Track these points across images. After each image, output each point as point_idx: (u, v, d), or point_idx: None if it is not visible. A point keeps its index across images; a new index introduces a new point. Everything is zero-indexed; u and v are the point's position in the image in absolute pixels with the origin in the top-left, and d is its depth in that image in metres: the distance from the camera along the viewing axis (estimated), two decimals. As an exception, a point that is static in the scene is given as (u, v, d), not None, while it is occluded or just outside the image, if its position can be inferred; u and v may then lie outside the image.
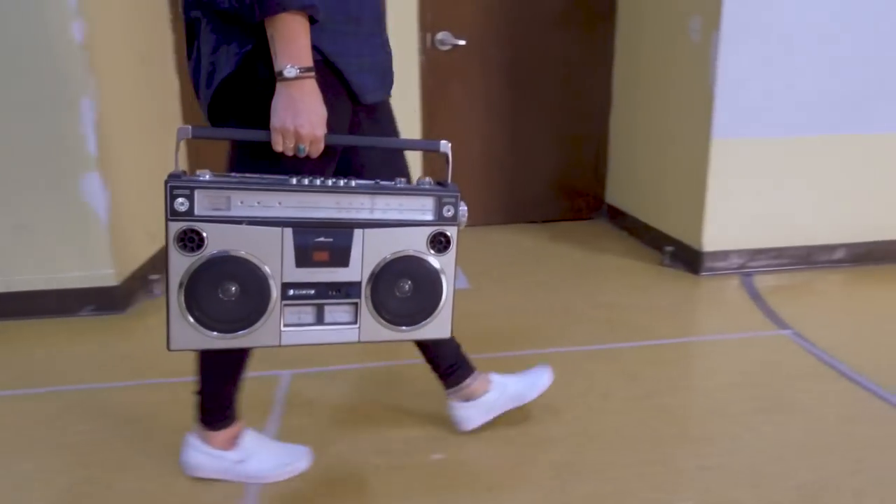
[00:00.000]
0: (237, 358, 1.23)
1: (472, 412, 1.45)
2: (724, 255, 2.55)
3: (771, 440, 1.45)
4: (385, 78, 1.17)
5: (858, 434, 1.46)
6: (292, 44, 0.96)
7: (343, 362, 1.84)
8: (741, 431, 1.48)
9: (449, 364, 1.42)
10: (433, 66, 3.01)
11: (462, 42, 2.99)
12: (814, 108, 2.46)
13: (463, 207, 1.08)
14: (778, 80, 2.40)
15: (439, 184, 1.10)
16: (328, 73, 1.05)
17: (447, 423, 1.50)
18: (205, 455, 1.30)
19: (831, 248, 2.61)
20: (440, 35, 2.99)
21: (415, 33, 2.92)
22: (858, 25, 2.39)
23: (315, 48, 1.01)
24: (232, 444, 1.30)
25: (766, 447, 1.42)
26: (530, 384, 1.48)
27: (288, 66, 0.96)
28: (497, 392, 1.45)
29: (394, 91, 1.24)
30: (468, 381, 1.43)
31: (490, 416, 1.46)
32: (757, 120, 2.43)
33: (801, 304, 2.24)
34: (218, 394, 1.26)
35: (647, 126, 2.91)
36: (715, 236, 2.52)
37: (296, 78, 0.97)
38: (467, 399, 1.44)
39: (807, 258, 2.61)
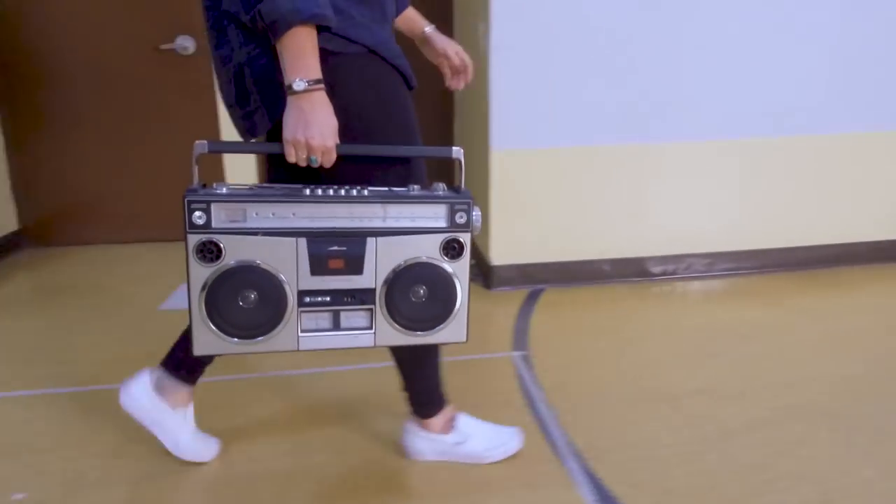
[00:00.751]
0: (431, 349, 1.30)
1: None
2: (514, 268, 2.42)
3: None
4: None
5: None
6: (300, 58, 0.97)
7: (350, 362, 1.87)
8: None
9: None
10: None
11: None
12: (591, 119, 2.29)
13: (476, 213, 1.08)
14: (548, 89, 2.24)
15: (452, 189, 1.11)
16: (379, 61, 1.09)
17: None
18: (425, 440, 1.38)
19: (600, 262, 2.47)
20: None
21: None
22: (644, 35, 2.24)
23: (357, 42, 1.05)
24: (449, 427, 1.38)
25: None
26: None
27: (297, 80, 0.97)
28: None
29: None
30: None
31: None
32: (530, 131, 2.28)
33: (553, 324, 2.11)
34: (423, 387, 1.34)
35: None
36: (502, 251, 2.40)
37: (305, 91, 0.98)
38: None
39: (585, 273, 2.47)
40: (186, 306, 1.16)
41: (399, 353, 1.31)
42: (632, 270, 2.50)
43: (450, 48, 1.36)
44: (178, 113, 2.91)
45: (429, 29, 1.37)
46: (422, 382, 1.35)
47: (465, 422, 1.40)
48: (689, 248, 2.52)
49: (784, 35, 2.32)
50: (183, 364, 1.32)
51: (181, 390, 1.34)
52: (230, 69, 1.07)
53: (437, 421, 1.38)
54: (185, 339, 1.31)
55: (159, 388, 1.32)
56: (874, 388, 1.69)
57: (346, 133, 1.06)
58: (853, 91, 2.42)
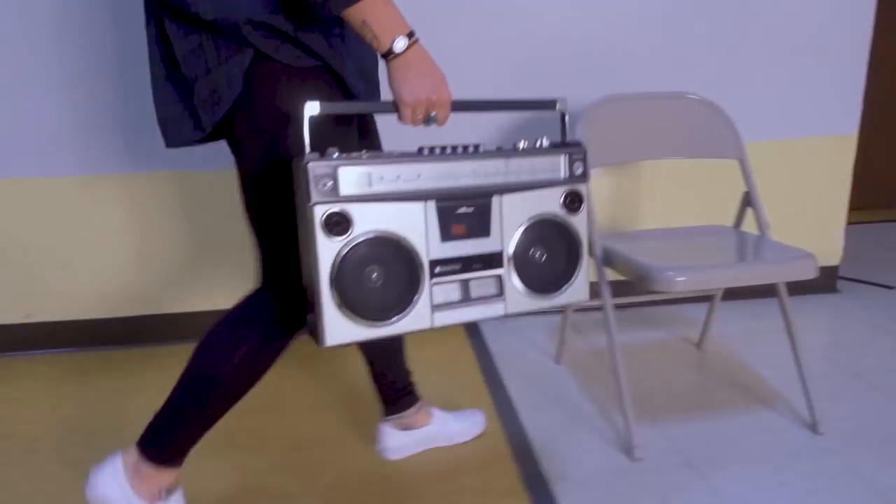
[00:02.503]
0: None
1: (408, 441, 1.34)
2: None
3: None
4: (375, 86, 1.07)
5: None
6: (388, 16, 0.89)
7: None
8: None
9: (397, 388, 1.32)
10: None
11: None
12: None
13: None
14: None
15: (561, 143, 1.06)
16: (328, 77, 0.95)
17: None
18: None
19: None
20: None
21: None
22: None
23: (313, 53, 0.93)
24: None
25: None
26: (467, 427, 1.39)
27: (397, 39, 0.89)
28: (437, 426, 1.36)
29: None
30: (412, 410, 1.33)
31: (421, 448, 1.36)
32: None
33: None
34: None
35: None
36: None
37: (407, 48, 0.90)
38: (405, 428, 1.34)
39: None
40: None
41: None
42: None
43: None
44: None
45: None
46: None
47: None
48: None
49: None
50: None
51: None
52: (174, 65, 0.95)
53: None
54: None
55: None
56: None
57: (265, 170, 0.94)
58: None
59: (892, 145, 3.47)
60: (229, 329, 1.01)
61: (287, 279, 0.97)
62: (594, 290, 1.23)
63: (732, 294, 2.14)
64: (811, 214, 2.18)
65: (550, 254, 1.02)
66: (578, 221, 1.03)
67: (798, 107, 2.08)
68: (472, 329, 2.01)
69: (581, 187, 1.02)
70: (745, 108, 2.02)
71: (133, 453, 1.05)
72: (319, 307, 0.87)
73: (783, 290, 1.42)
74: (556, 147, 1.01)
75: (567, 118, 1.06)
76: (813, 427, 1.41)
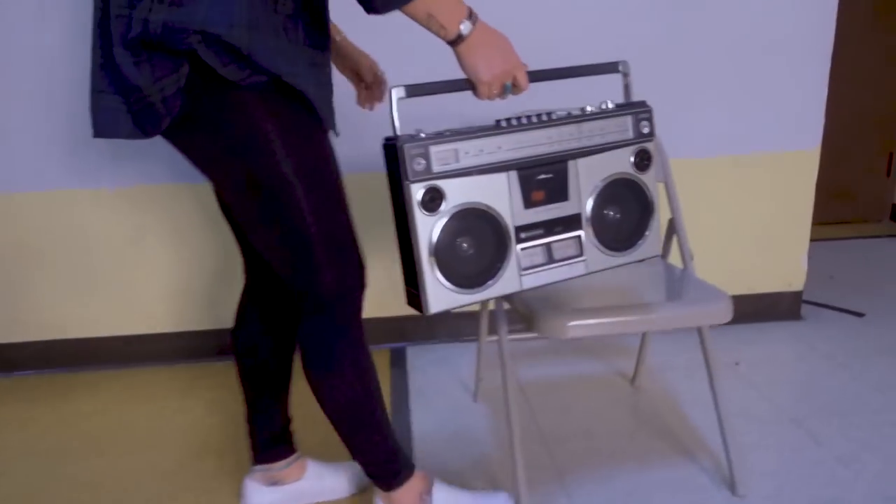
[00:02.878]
0: (366, 404, 1.08)
1: (274, 499, 1.24)
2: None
3: None
4: (333, 115, 1.03)
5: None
6: (449, 3, 0.90)
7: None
8: None
9: (272, 434, 1.23)
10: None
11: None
12: None
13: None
14: None
15: (627, 105, 1.10)
16: (285, 93, 0.91)
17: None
18: None
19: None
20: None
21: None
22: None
23: (268, 70, 0.87)
24: (421, 500, 1.15)
25: None
26: (344, 483, 1.29)
27: (462, 24, 0.90)
28: (310, 482, 1.26)
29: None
30: (281, 462, 1.23)
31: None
32: None
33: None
34: (373, 452, 1.11)
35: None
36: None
37: (472, 30, 0.92)
38: (273, 483, 1.24)
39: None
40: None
41: (334, 413, 1.07)
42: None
43: (363, 61, 1.21)
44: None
45: (338, 37, 1.20)
46: (369, 447, 1.11)
47: (443, 492, 1.17)
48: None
49: None
50: (273, 436, 1.20)
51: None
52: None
53: (405, 494, 1.14)
54: (257, 416, 1.21)
55: (272, 481, 1.18)
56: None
57: (242, 191, 0.95)
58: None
59: (870, 154, 3.27)
60: (317, 360, 1.04)
61: (323, 276, 0.99)
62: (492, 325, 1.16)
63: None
64: (772, 236, 2.04)
65: (624, 212, 1.07)
66: (648, 178, 1.07)
67: (756, 120, 1.94)
68: (396, 358, 1.90)
69: (649, 145, 1.07)
70: (699, 121, 1.92)
71: (381, 494, 1.15)
72: (422, 278, 0.94)
73: (705, 331, 1.29)
74: (622, 108, 1.05)
75: (630, 79, 1.10)
76: (732, 487, 1.27)
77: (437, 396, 1.70)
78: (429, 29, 0.90)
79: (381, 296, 1.87)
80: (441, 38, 0.91)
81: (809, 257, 2.08)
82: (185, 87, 0.86)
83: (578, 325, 1.11)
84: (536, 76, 1.05)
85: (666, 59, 1.88)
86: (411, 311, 1.90)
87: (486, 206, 0.96)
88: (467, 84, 0.97)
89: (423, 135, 0.93)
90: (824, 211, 3.10)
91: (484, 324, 1.58)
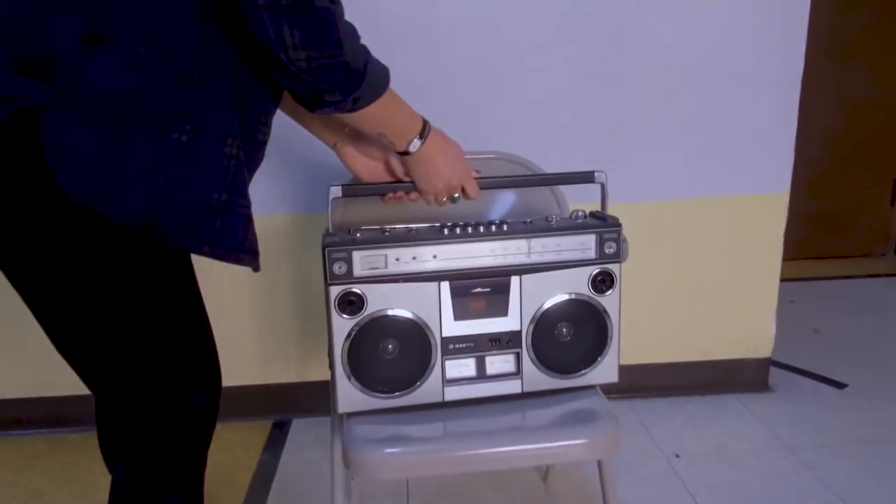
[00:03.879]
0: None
1: None
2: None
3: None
4: None
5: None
6: (401, 120, 0.86)
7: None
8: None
9: None
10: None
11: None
12: None
13: (624, 240, 0.99)
14: None
15: (595, 216, 1.02)
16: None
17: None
18: None
19: None
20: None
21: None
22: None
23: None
24: None
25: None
26: None
27: (413, 142, 0.87)
28: None
29: None
30: None
31: None
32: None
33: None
34: None
35: None
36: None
37: (421, 145, 0.88)
38: None
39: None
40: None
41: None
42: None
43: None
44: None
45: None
46: None
47: None
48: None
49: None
50: None
51: None
52: None
53: None
54: None
55: None
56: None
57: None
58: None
59: (871, 181, 2.89)
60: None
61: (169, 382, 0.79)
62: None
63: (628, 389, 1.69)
64: (733, 292, 1.76)
65: (576, 333, 0.99)
66: (608, 301, 0.99)
67: (715, 159, 1.67)
68: (276, 438, 1.70)
69: (612, 267, 0.98)
70: (648, 159, 1.66)
71: None
72: (333, 378, 0.94)
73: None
74: (586, 225, 0.97)
75: (606, 190, 1.02)
76: None
77: (308, 488, 1.46)
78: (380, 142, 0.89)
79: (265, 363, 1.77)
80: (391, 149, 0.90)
81: (792, 302, 1.79)
82: None
83: (391, 465, 0.91)
84: (493, 184, 1.01)
85: (613, 89, 1.65)
86: (299, 378, 1.80)
87: (409, 313, 0.93)
88: (413, 187, 0.95)
89: (358, 234, 0.93)
90: (818, 244, 2.86)
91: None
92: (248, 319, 1.76)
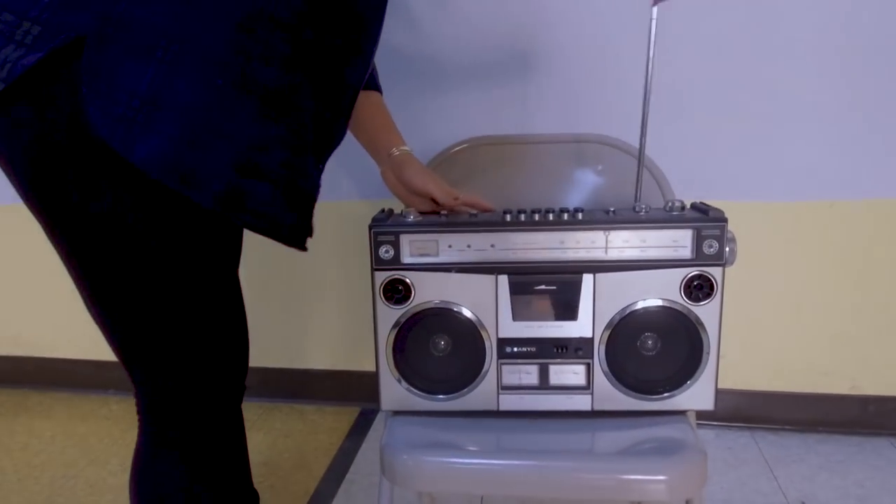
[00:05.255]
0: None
1: None
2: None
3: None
4: None
5: None
6: None
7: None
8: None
9: None
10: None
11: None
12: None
13: (731, 238, 0.81)
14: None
15: (696, 209, 0.85)
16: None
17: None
18: None
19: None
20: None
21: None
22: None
23: None
24: None
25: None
26: None
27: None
28: None
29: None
30: None
31: None
32: None
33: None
34: None
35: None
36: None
37: None
38: None
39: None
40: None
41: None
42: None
43: (433, 185, 0.91)
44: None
45: (403, 149, 0.93)
46: None
47: None
48: None
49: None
50: None
51: None
52: None
53: None
54: None
55: None
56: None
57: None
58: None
59: None
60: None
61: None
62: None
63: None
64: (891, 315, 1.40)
65: (663, 347, 0.83)
66: (706, 311, 0.82)
67: (867, 153, 1.33)
68: (360, 426, 1.61)
69: (713, 271, 0.81)
70: (784, 152, 1.36)
71: None
72: (377, 371, 0.86)
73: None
74: (682, 218, 0.81)
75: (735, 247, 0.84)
76: None
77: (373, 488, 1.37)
78: None
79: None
80: None
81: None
82: None
83: (431, 476, 0.80)
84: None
85: (746, 69, 1.38)
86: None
87: (460, 310, 0.83)
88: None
89: (410, 217, 0.84)
90: None
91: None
92: (346, 305, 1.75)
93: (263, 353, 1.83)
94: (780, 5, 1.35)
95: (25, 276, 1.89)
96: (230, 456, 0.80)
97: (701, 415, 1.55)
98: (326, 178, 1.24)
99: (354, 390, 1.82)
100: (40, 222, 0.68)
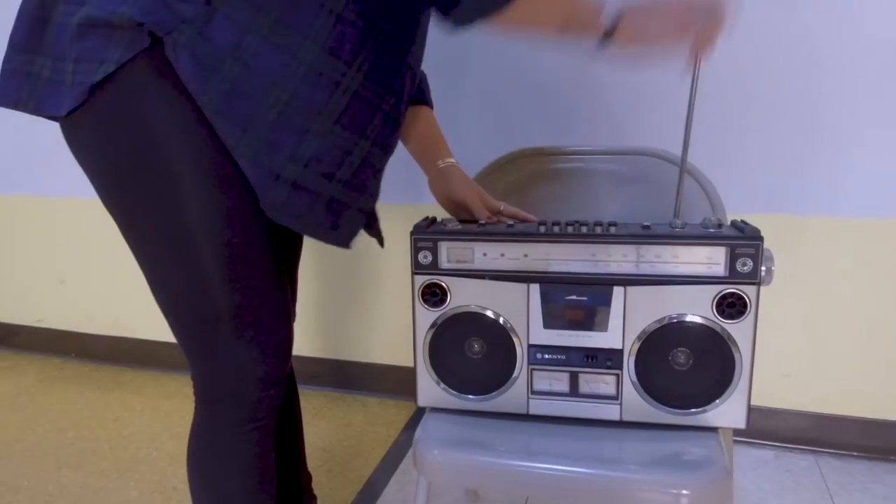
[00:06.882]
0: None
1: None
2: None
3: None
4: None
5: None
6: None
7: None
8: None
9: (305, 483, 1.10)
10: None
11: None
12: None
13: (769, 256, 0.80)
14: None
15: (735, 226, 0.84)
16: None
17: None
18: None
19: None
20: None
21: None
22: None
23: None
24: None
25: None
26: None
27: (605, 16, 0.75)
28: None
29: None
30: None
31: None
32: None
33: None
34: None
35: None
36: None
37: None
38: None
39: None
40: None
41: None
42: None
43: (471, 198, 0.96)
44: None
45: (448, 161, 0.98)
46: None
47: None
48: None
49: None
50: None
51: None
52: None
53: None
54: None
55: None
56: None
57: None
58: None
59: None
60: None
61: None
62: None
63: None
64: None
65: (690, 363, 0.84)
66: (738, 330, 0.81)
67: None
68: (418, 420, 1.52)
69: (747, 289, 0.80)
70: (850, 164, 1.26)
71: None
72: (415, 367, 0.92)
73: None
74: (715, 235, 0.81)
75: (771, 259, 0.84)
76: None
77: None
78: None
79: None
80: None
81: None
82: None
83: (448, 466, 0.87)
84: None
85: (813, 75, 1.31)
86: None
87: (493, 315, 0.87)
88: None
89: (449, 224, 0.89)
90: None
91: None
92: (409, 304, 1.82)
93: (333, 345, 1.94)
94: (853, 7, 1.29)
95: (125, 266, 2.09)
96: (279, 437, 0.89)
97: (761, 434, 1.52)
98: (401, 182, 1.32)
99: (414, 386, 1.88)
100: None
